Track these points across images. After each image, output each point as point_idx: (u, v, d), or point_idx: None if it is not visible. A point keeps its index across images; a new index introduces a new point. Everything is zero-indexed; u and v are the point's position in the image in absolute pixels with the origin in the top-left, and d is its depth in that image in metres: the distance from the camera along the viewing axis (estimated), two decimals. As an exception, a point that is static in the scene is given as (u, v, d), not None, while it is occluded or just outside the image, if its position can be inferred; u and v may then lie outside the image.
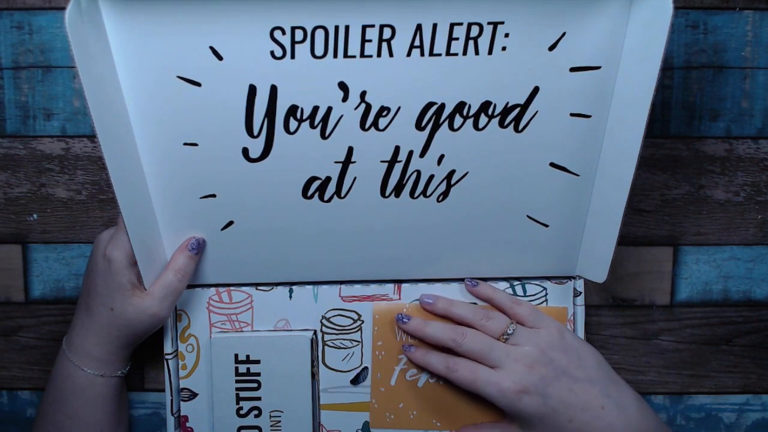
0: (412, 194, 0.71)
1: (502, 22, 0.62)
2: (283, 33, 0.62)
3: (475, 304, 0.75)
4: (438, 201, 0.71)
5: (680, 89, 0.78)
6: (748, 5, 0.77)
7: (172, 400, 0.76)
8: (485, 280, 0.76)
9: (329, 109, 0.66)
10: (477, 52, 0.64)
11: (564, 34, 0.63)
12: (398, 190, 0.70)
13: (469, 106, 0.66)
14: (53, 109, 0.77)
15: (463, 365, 0.70)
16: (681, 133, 0.79)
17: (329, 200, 0.70)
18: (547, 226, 0.73)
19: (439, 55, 0.63)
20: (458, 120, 0.67)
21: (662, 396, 0.82)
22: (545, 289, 0.76)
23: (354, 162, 0.68)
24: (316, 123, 0.66)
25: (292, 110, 0.66)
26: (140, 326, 0.70)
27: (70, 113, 0.77)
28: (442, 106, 0.66)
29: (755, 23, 0.77)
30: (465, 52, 0.64)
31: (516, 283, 0.76)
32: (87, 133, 0.77)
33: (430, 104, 0.66)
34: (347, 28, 0.61)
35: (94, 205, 0.78)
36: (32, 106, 0.77)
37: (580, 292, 0.76)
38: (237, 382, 0.75)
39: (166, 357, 0.75)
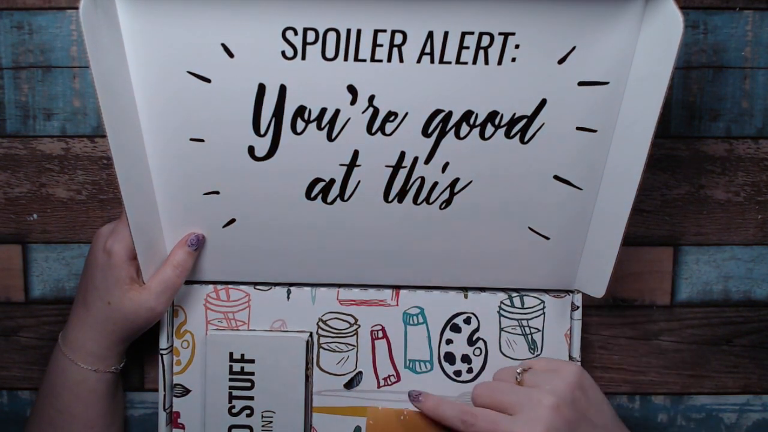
0: (415, 200, 0.71)
1: (513, 33, 0.62)
2: (295, 33, 0.62)
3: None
4: (440, 208, 0.71)
5: (680, 89, 0.78)
6: (748, 5, 0.77)
7: (165, 396, 0.76)
8: (484, 290, 0.76)
9: (337, 111, 0.66)
10: (487, 62, 0.64)
11: (574, 48, 0.63)
12: (401, 195, 0.70)
13: (476, 115, 0.66)
14: (53, 109, 0.77)
15: (482, 416, 0.66)
16: (681, 133, 0.79)
17: (332, 202, 0.70)
18: (548, 238, 0.73)
19: (449, 63, 0.64)
20: (465, 128, 0.67)
21: (662, 396, 0.82)
22: (543, 302, 0.76)
23: (359, 165, 0.68)
24: (323, 125, 0.66)
25: (300, 111, 0.66)
26: (137, 321, 0.70)
27: (70, 113, 0.77)
28: (449, 114, 0.66)
29: (755, 23, 0.77)
30: (475, 62, 0.64)
31: (514, 295, 0.76)
32: (87, 133, 0.77)
33: (438, 111, 0.66)
34: (359, 31, 0.62)
35: (94, 205, 0.78)
36: (32, 106, 0.77)
37: (578, 307, 0.76)
38: (231, 380, 0.75)
39: (161, 352, 0.75)
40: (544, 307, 0.76)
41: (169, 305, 0.73)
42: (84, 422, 0.72)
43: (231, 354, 0.75)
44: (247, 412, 0.76)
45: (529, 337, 0.76)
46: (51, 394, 0.71)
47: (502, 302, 0.76)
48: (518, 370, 0.70)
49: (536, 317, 0.76)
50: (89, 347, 0.70)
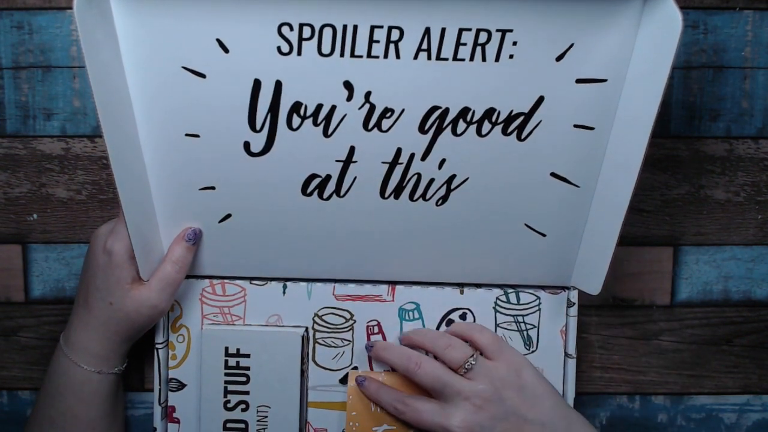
0: (411, 197, 0.71)
1: (511, 30, 0.62)
2: (291, 29, 0.62)
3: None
4: (437, 205, 0.71)
5: (680, 89, 0.78)
6: (748, 5, 0.77)
7: (160, 390, 0.76)
8: (479, 285, 0.76)
9: (333, 107, 0.66)
10: (484, 59, 0.64)
11: (572, 45, 0.63)
12: (398, 191, 0.70)
13: (473, 112, 0.66)
14: (53, 109, 0.77)
15: (412, 407, 0.70)
16: (681, 133, 0.79)
17: (328, 198, 0.70)
18: (544, 235, 0.73)
19: (446, 59, 0.63)
20: (461, 125, 0.67)
21: (662, 396, 0.82)
22: (539, 298, 0.76)
23: (355, 161, 0.68)
24: (319, 121, 0.66)
25: (296, 107, 0.66)
26: (139, 319, 0.70)
27: (70, 113, 0.77)
28: (446, 111, 0.66)
29: (755, 23, 0.77)
30: (472, 58, 0.63)
31: (510, 290, 0.76)
32: (87, 133, 0.77)
33: (435, 108, 0.66)
34: (355, 27, 0.62)
35: (94, 205, 0.78)
36: (32, 106, 0.77)
37: (574, 303, 0.76)
38: (226, 375, 0.75)
39: (157, 346, 0.76)
40: (539, 304, 0.76)
41: (172, 302, 0.73)
42: (86, 423, 0.71)
43: (226, 349, 0.75)
44: (243, 406, 0.76)
45: (525, 333, 0.76)
46: (53, 395, 0.71)
47: (497, 298, 0.76)
48: (467, 364, 0.70)
49: (532, 313, 0.76)
50: (92, 348, 0.70)
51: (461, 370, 0.70)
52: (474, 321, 0.76)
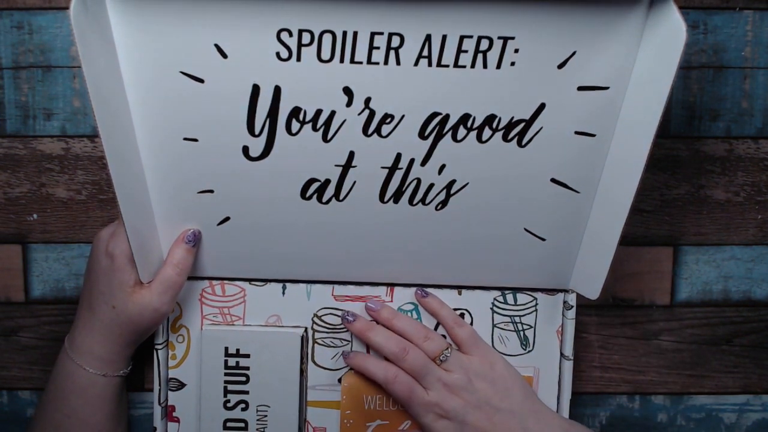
0: (410, 201, 0.71)
1: (513, 38, 0.62)
2: (290, 35, 0.61)
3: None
4: (436, 209, 0.71)
5: (680, 89, 0.78)
6: (748, 5, 0.77)
7: (160, 390, 0.76)
8: (478, 288, 0.76)
9: (332, 113, 0.65)
10: (485, 66, 0.63)
11: (574, 52, 0.63)
12: (397, 196, 0.70)
13: (474, 119, 0.66)
14: (53, 109, 0.77)
15: (403, 380, 0.72)
16: (681, 133, 0.79)
17: (327, 202, 0.70)
18: (544, 240, 0.73)
19: (447, 66, 0.63)
20: (462, 131, 0.67)
21: (662, 396, 0.82)
22: (535, 299, 0.76)
23: (354, 166, 0.68)
24: (318, 126, 0.66)
25: (295, 112, 0.65)
26: (142, 323, 0.70)
27: (70, 113, 0.77)
28: (447, 117, 0.66)
29: (755, 23, 0.77)
30: (473, 65, 0.63)
31: (507, 292, 0.77)
32: (87, 133, 0.77)
33: (435, 114, 0.66)
34: (355, 34, 0.61)
35: (94, 205, 0.78)
36: (32, 106, 0.77)
37: (572, 306, 0.76)
38: (226, 375, 0.76)
39: (156, 347, 0.76)
40: (536, 304, 0.76)
41: (174, 305, 0.74)
42: (91, 426, 0.72)
43: (226, 349, 0.75)
44: (242, 406, 0.76)
45: (522, 333, 0.77)
46: (57, 398, 0.71)
47: (495, 299, 0.76)
48: (442, 356, 0.72)
49: (528, 314, 0.76)
50: (97, 352, 0.71)
51: (436, 361, 0.72)
52: (471, 322, 0.76)
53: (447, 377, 0.71)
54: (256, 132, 0.66)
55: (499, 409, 0.71)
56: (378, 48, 0.62)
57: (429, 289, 0.76)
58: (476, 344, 0.74)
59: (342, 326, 0.76)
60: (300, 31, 0.61)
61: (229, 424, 0.76)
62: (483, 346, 0.74)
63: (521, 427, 0.70)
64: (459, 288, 0.76)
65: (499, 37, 0.62)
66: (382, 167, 0.69)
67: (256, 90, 0.64)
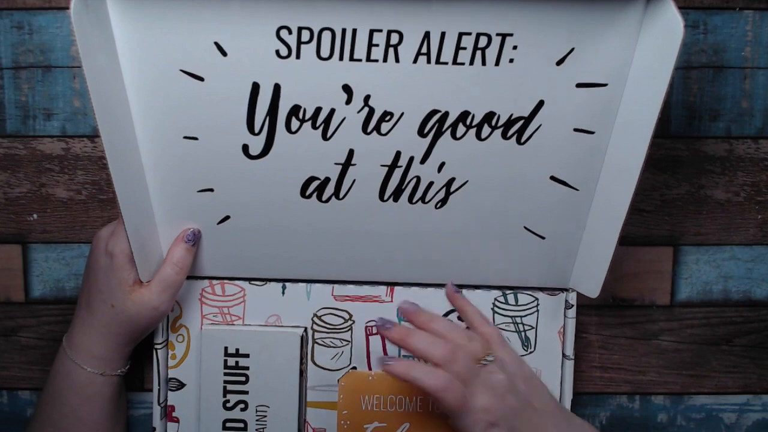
0: (410, 199, 0.71)
1: (511, 34, 0.62)
2: (290, 32, 0.62)
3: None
4: (436, 207, 0.71)
5: (680, 89, 0.78)
6: (748, 5, 0.77)
7: (159, 389, 0.76)
8: (478, 287, 0.77)
9: (332, 110, 0.66)
10: (484, 63, 0.63)
11: (573, 49, 0.63)
12: (397, 194, 0.70)
13: (473, 116, 0.66)
14: (53, 109, 0.77)
15: (455, 387, 0.65)
16: (681, 133, 0.79)
17: (327, 201, 0.70)
18: (543, 238, 0.73)
19: (446, 63, 0.63)
20: (461, 129, 0.67)
21: (662, 396, 0.82)
22: (537, 299, 0.76)
23: (354, 164, 0.68)
24: (318, 124, 0.66)
25: (295, 110, 0.66)
26: (141, 322, 0.70)
27: (70, 113, 0.77)
28: (446, 115, 0.66)
29: (755, 23, 0.77)
30: (472, 62, 0.63)
31: (508, 292, 0.77)
32: (87, 133, 0.77)
33: (434, 112, 0.66)
34: (354, 31, 0.61)
35: (94, 205, 0.78)
36: (32, 106, 0.77)
37: (572, 305, 0.76)
38: (225, 374, 0.76)
39: (156, 346, 0.76)
40: (537, 305, 0.76)
41: (173, 304, 0.74)
42: (90, 425, 0.72)
43: (226, 348, 0.75)
44: (242, 406, 0.76)
45: (523, 333, 0.77)
46: (55, 397, 0.71)
47: (496, 299, 0.76)
48: (489, 357, 0.68)
49: (530, 314, 0.76)
50: (95, 351, 0.71)
51: (480, 363, 0.68)
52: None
53: (493, 380, 0.66)
54: (256, 130, 0.67)
55: (536, 409, 0.67)
56: (377, 45, 0.62)
57: (429, 288, 0.76)
58: (503, 343, 0.71)
59: (342, 326, 0.76)
60: (299, 29, 0.61)
61: (228, 425, 0.76)
62: (508, 345, 0.71)
63: (554, 427, 0.67)
64: (459, 288, 0.76)
65: (498, 34, 0.62)
66: (382, 165, 0.69)
67: (255, 88, 0.64)
